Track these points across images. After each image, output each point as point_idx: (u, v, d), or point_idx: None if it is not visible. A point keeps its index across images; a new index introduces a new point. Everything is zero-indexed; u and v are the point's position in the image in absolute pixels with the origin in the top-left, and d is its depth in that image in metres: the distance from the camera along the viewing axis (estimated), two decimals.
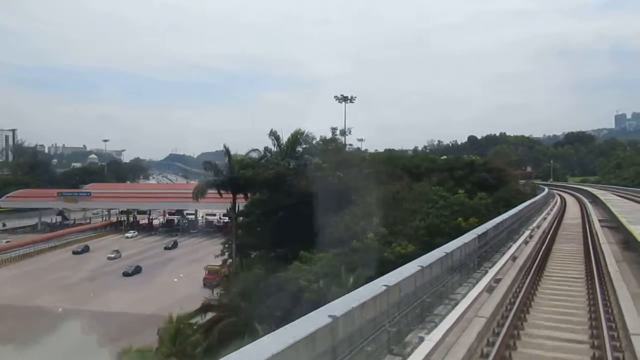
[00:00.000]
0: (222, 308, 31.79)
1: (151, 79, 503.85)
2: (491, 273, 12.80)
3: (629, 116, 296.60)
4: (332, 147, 46.30)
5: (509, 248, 17.36)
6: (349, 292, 8.07)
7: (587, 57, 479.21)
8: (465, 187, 39.74)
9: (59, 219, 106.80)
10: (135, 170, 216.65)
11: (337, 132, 49.78)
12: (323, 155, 43.17)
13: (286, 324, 5.42)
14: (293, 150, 43.07)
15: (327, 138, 47.63)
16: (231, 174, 42.25)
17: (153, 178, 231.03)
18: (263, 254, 39.67)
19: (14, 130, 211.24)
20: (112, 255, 68.39)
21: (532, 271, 13.47)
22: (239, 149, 47.11)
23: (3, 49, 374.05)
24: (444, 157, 60.83)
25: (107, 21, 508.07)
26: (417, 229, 29.63)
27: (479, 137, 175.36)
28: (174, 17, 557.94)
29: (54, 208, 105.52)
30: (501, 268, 13.88)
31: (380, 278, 7.71)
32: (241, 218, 45.49)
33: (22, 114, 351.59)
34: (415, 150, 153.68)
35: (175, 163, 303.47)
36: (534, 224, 25.58)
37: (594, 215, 29.60)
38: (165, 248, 76.26)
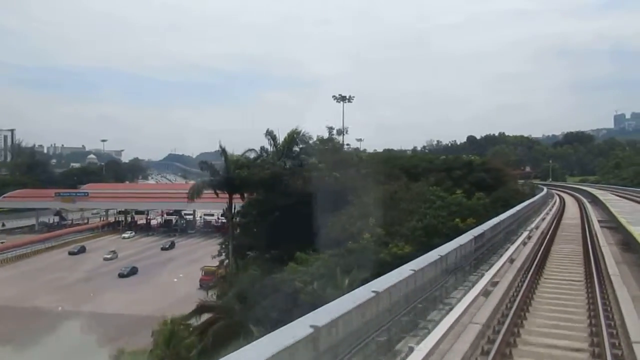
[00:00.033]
0: (217, 310, 31.46)
1: (151, 79, 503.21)
2: (488, 276, 12.42)
3: (628, 116, 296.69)
4: (329, 147, 45.92)
5: (506, 249, 17.00)
6: (344, 294, 7.77)
7: (587, 57, 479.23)
8: (464, 187, 39.37)
9: (57, 219, 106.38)
10: (134, 170, 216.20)
11: (334, 131, 49.33)
12: (320, 155, 42.80)
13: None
14: (289, 150, 42.67)
15: (324, 138, 47.27)
16: (227, 174, 41.87)
17: (152, 178, 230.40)
18: (259, 254, 39.30)
19: (12, 131, 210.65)
20: (109, 256, 67.95)
21: (530, 274, 13.10)
22: (239, 149, 46.71)
23: (3, 49, 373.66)
24: (443, 157, 60.45)
25: (107, 21, 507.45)
26: (414, 230, 29.26)
27: (478, 137, 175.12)
28: (174, 17, 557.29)
29: (52, 208, 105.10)
30: (498, 270, 13.50)
31: (370, 283, 7.36)
32: (238, 218, 45.15)
33: (21, 114, 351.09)
34: (414, 150, 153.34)
35: (175, 163, 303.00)
36: (533, 225, 25.24)
37: (593, 215, 29.28)
38: (163, 249, 75.78)
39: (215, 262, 46.86)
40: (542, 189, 57.62)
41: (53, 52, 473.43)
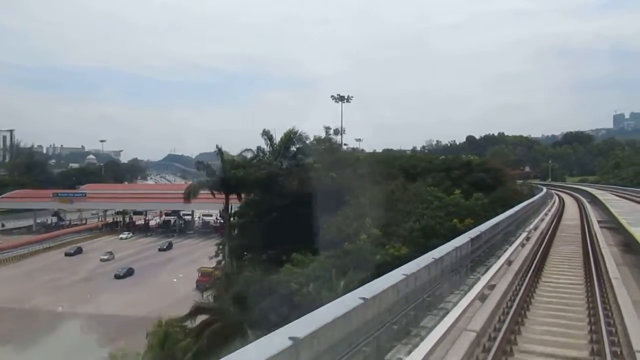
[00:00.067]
0: (213, 312, 31.10)
1: (151, 79, 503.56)
2: (485, 279, 12.04)
3: (627, 116, 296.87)
4: (327, 147, 45.54)
5: (504, 251, 16.61)
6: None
7: (587, 57, 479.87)
8: (462, 187, 39.04)
9: (55, 219, 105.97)
10: (133, 170, 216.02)
11: (331, 131, 48.96)
12: (316, 155, 42.41)
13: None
14: (286, 150, 42.31)
15: (321, 138, 46.89)
16: (223, 174, 41.49)
17: (151, 178, 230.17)
18: (256, 255, 38.94)
19: (11, 131, 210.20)
20: (105, 257, 67.52)
21: (528, 276, 12.73)
22: (238, 149, 46.34)
23: (3, 49, 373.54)
24: (442, 157, 60.07)
25: (107, 21, 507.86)
26: (411, 231, 28.89)
27: (477, 137, 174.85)
28: (174, 17, 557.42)
29: (50, 209, 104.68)
30: (496, 273, 13.13)
31: (358, 290, 6.96)
32: (235, 219, 44.78)
33: (21, 114, 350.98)
34: (413, 150, 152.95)
35: (174, 163, 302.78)
36: (532, 225, 24.85)
37: (593, 216, 28.93)
38: (160, 249, 75.36)
39: (213, 263, 46.53)
40: (542, 189, 57.29)
41: (53, 52, 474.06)
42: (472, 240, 13.62)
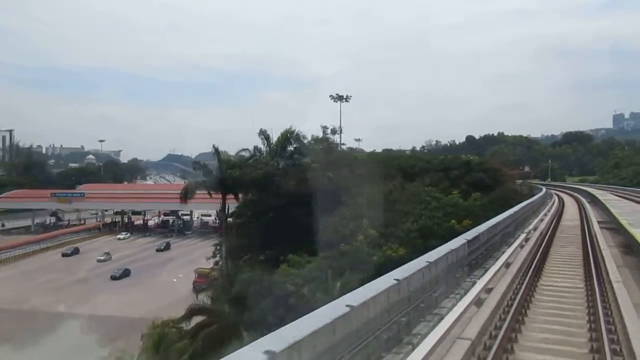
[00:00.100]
0: (208, 313, 30.74)
1: (151, 79, 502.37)
2: (481, 282, 11.67)
3: (627, 116, 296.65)
4: (324, 146, 45.13)
5: (502, 253, 16.24)
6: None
7: (587, 57, 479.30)
8: (461, 187, 38.67)
9: (53, 219, 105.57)
10: (133, 170, 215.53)
11: (329, 131, 48.52)
12: (313, 155, 41.99)
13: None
14: (283, 149, 41.92)
15: (319, 137, 46.48)
16: (220, 174, 41.11)
17: (150, 178, 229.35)
18: (253, 256, 38.56)
19: (11, 131, 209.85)
20: (102, 258, 67.02)
21: (526, 280, 12.36)
22: (238, 149, 45.89)
23: (3, 49, 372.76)
24: (442, 157, 59.64)
25: (107, 21, 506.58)
26: (408, 232, 28.49)
27: (477, 137, 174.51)
28: (174, 17, 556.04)
29: (48, 209, 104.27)
30: (493, 276, 12.76)
31: (345, 296, 6.58)
32: (233, 219, 44.38)
33: (21, 114, 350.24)
34: (413, 150, 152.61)
35: (174, 163, 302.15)
36: (531, 226, 24.50)
37: (593, 216, 28.58)
38: (158, 250, 74.86)
39: (210, 264, 46.14)
40: (541, 189, 56.97)
41: (53, 52, 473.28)
42: (469, 242, 13.24)
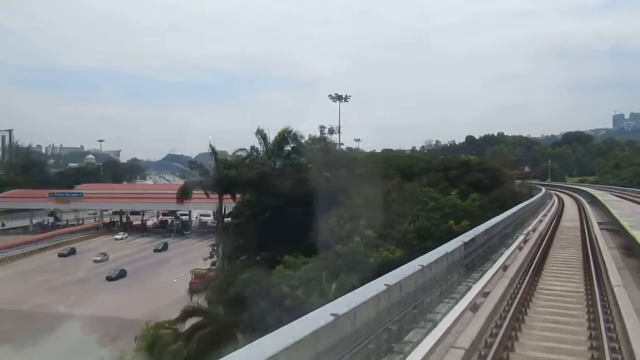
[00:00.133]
0: (202, 315, 30.38)
1: (151, 79, 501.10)
2: (478, 286, 11.31)
3: (627, 116, 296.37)
4: (322, 146, 44.70)
5: (500, 255, 15.89)
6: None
7: (587, 57, 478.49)
8: (460, 187, 38.31)
9: (51, 219, 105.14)
10: (132, 170, 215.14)
11: (326, 130, 48.03)
12: (311, 154, 41.55)
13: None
14: (280, 149, 41.50)
15: (316, 137, 46.06)
16: (217, 174, 40.71)
17: (150, 178, 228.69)
18: (250, 256, 38.20)
19: (10, 131, 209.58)
20: (99, 258, 66.48)
21: (524, 283, 12.00)
22: (236, 149, 45.39)
23: (3, 49, 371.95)
24: (442, 157, 59.26)
25: (107, 21, 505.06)
26: (405, 233, 28.10)
27: (477, 137, 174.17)
28: (174, 17, 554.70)
29: (46, 209, 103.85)
30: (490, 279, 12.40)
31: (330, 304, 6.20)
32: (230, 219, 44.00)
33: (21, 114, 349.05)
34: (412, 150, 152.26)
35: (173, 163, 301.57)
36: (530, 227, 24.15)
37: (593, 217, 28.25)
38: (155, 250, 74.32)
39: (208, 264, 45.75)
40: (540, 190, 56.66)
41: (53, 52, 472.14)
42: (465, 244, 12.89)
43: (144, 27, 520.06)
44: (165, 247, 76.32)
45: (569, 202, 47.57)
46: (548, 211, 34.54)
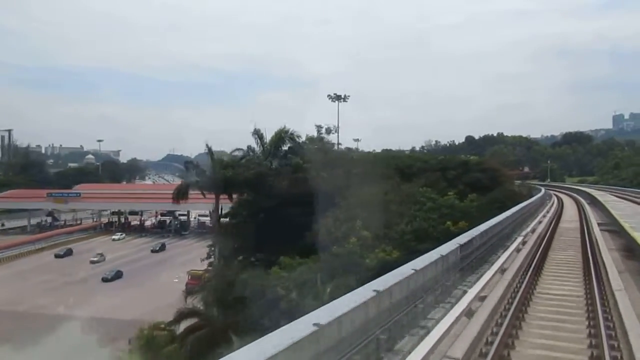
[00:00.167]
0: (197, 317, 30.01)
1: (151, 79, 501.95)
2: (474, 290, 10.92)
3: (626, 117, 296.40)
4: (319, 146, 44.27)
5: (498, 257, 15.52)
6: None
7: (587, 58, 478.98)
8: (458, 187, 37.93)
9: (49, 219, 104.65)
10: (132, 170, 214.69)
11: (323, 130, 47.52)
12: (307, 154, 41.11)
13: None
14: (277, 149, 41.11)
15: (313, 137, 45.57)
16: (213, 174, 40.32)
17: (149, 178, 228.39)
18: (246, 257, 37.81)
19: (9, 131, 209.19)
20: (95, 259, 65.98)
21: (522, 287, 11.60)
22: (233, 149, 44.94)
23: (3, 49, 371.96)
24: (442, 157, 58.85)
25: (107, 21, 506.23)
26: (402, 234, 27.70)
27: (477, 138, 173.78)
28: (174, 17, 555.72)
29: (44, 209, 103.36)
30: (487, 283, 12.02)
31: (313, 313, 5.80)
32: (227, 219, 43.61)
33: (21, 114, 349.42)
34: (412, 150, 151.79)
35: (173, 163, 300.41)
36: (528, 228, 23.76)
37: (593, 218, 27.87)
38: (153, 251, 73.78)
39: (205, 265, 45.35)
40: (540, 190, 56.29)
41: (53, 52, 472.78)
42: (462, 246, 12.50)
43: (144, 27, 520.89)
44: (162, 248, 75.84)
45: (568, 203, 47.21)
46: (547, 212, 34.17)
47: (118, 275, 57.05)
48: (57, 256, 69.88)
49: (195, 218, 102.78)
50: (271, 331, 5.05)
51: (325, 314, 5.74)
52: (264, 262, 33.47)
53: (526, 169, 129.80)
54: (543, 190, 57.17)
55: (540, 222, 27.31)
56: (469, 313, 9.30)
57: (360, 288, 7.13)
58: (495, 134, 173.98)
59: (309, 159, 38.12)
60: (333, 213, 29.66)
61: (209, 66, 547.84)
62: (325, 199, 29.57)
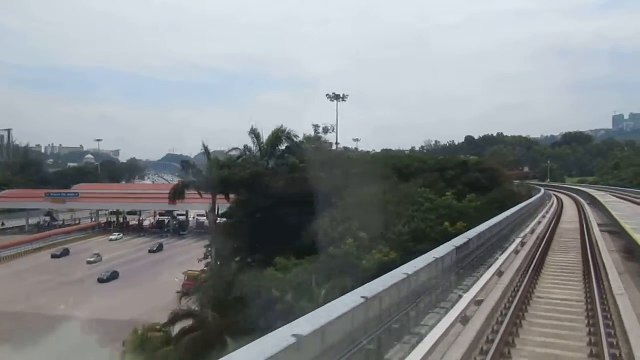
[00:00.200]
0: (192, 318, 29.63)
1: (151, 79, 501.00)
2: (470, 295, 10.51)
3: (626, 117, 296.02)
4: (316, 146, 43.87)
5: (495, 260, 15.12)
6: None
7: (587, 58, 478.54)
8: (457, 188, 37.55)
9: (48, 219, 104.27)
10: (131, 170, 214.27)
11: (320, 130, 47.06)
12: (304, 154, 40.72)
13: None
14: (273, 149, 40.72)
15: (310, 137, 45.15)
16: (209, 174, 39.96)
17: (149, 178, 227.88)
18: (242, 258, 37.45)
19: (9, 130, 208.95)
20: (92, 259, 65.44)
21: (520, 291, 11.21)
22: (230, 149, 44.56)
23: (3, 49, 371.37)
24: (441, 157, 58.48)
25: (107, 21, 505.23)
26: (400, 235, 27.31)
27: (476, 138, 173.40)
28: (174, 17, 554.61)
29: (42, 209, 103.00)
30: (484, 286, 11.62)
31: (293, 323, 5.41)
32: (224, 219, 43.26)
33: (21, 114, 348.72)
34: (412, 150, 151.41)
35: (173, 163, 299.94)
36: (527, 230, 23.41)
37: (593, 219, 27.49)
38: (150, 251, 73.22)
39: (202, 266, 45.01)
40: (540, 190, 55.93)
41: (53, 52, 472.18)
42: (458, 249, 12.14)
43: (144, 27, 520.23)
44: (160, 248, 75.37)
45: (568, 203, 46.84)
46: (547, 212, 33.81)
47: (114, 276, 56.59)
48: (53, 256, 69.38)
49: (194, 218, 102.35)
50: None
51: (306, 324, 5.36)
52: (261, 262, 33.10)
53: (526, 169, 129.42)
54: (543, 190, 56.82)
55: (539, 222, 26.96)
56: (464, 319, 8.92)
57: (348, 295, 6.76)
58: (495, 134, 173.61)
59: (306, 159, 37.73)
60: (330, 213, 29.29)
61: (209, 66, 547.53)
62: (322, 199, 29.19)
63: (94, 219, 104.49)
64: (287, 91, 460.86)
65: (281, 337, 4.91)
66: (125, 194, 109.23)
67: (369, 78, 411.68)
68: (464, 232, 16.62)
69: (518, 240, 18.88)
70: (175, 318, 29.93)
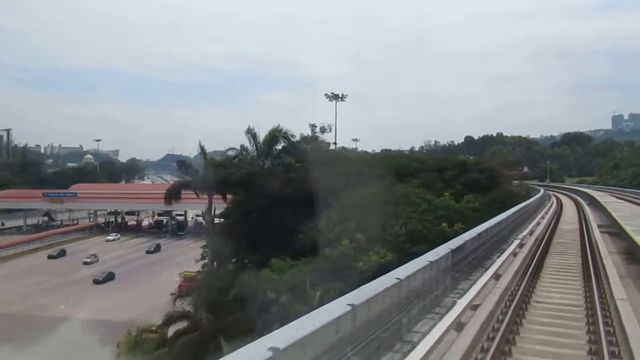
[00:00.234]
0: (187, 320, 29.30)
1: (151, 79, 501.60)
2: (465, 299, 10.18)
3: (626, 117, 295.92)
4: (313, 145, 43.51)
5: (493, 262, 14.78)
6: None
7: (586, 58, 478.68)
8: (456, 188, 37.16)
9: (46, 219, 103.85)
10: (131, 170, 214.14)
11: (317, 129, 46.70)
12: (301, 154, 40.35)
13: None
14: (270, 148, 40.35)
15: (307, 136, 44.84)
16: (205, 174, 39.60)
17: (148, 178, 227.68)
18: (238, 258, 37.10)
19: (8, 130, 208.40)
20: (89, 260, 64.95)
21: (518, 295, 10.85)
22: (226, 148, 44.18)
23: (3, 49, 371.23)
24: (441, 157, 58.11)
25: (107, 21, 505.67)
26: (396, 236, 26.93)
27: (476, 138, 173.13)
28: (174, 17, 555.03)
29: (40, 209, 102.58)
30: (480, 290, 11.27)
31: (271, 335, 5.04)
32: (221, 220, 42.91)
33: (21, 114, 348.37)
34: (411, 150, 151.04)
35: (172, 163, 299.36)
36: (526, 231, 23.04)
37: (592, 220, 27.14)
38: (147, 252, 72.80)
39: (199, 267, 44.67)
40: (539, 190, 55.60)
41: (53, 52, 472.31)
42: (454, 251, 11.76)
43: (144, 27, 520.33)
44: (157, 249, 74.95)
45: (567, 204, 46.52)
46: (546, 213, 33.47)
47: (110, 277, 56.13)
48: (50, 257, 68.94)
49: (192, 218, 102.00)
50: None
51: (286, 335, 4.98)
52: (257, 263, 32.75)
53: (525, 169, 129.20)
54: (542, 190, 56.48)
55: (538, 223, 26.60)
56: (458, 326, 8.55)
57: (333, 302, 6.38)
58: (494, 134, 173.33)
59: (302, 159, 37.36)
60: (326, 214, 28.92)
61: (209, 66, 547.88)
62: (319, 199, 28.82)
63: (91, 219, 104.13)
64: (287, 91, 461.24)
65: (256, 351, 4.53)
66: (124, 194, 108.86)
67: (369, 78, 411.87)
68: (461, 233, 16.29)
69: (516, 242, 18.53)
70: (169, 320, 29.62)
